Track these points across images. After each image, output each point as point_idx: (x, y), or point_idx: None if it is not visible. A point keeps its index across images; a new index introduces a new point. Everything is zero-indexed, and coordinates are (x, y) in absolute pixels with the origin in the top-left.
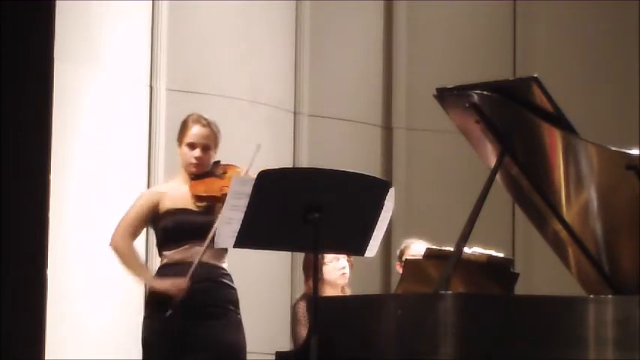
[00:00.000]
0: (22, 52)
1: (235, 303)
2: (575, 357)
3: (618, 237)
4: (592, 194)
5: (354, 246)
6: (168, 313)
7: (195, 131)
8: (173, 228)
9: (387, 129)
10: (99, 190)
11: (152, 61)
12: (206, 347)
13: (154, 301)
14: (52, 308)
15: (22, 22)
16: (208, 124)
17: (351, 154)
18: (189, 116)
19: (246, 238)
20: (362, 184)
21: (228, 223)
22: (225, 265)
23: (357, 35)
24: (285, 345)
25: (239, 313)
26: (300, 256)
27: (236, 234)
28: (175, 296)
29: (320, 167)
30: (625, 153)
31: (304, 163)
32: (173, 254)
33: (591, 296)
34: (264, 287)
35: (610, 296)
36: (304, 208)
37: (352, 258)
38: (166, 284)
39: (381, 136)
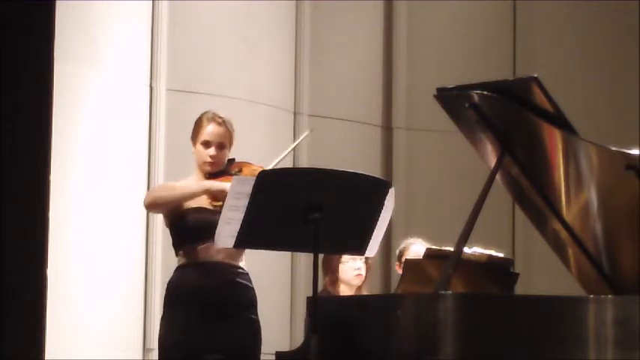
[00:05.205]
0: (22, 52)
1: (252, 304)
2: (575, 357)
3: (618, 237)
4: (592, 194)
5: (354, 246)
6: None
7: (210, 129)
8: (192, 227)
9: (387, 129)
10: (99, 190)
11: (152, 61)
12: (221, 350)
13: (172, 302)
14: (52, 308)
15: (22, 22)
16: (223, 122)
17: (351, 154)
18: (203, 114)
19: (246, 238)
20: (362, 184)
21: (228, 223)
22: (242, 264)
23: (357, 35)
24: (285, 345)
25: (256, 314)
26: (300, 256)
27: (236, 234)
28: None
29: (320, 167)
30: (625, 153)
31: (304, 163)
32: (191, 253)
33: (591, 296)
34: (263, 287)
35: (610, 296)
36: (304, 208)
37: (370, 260)
38: (223, 183)
39: (381, 136)
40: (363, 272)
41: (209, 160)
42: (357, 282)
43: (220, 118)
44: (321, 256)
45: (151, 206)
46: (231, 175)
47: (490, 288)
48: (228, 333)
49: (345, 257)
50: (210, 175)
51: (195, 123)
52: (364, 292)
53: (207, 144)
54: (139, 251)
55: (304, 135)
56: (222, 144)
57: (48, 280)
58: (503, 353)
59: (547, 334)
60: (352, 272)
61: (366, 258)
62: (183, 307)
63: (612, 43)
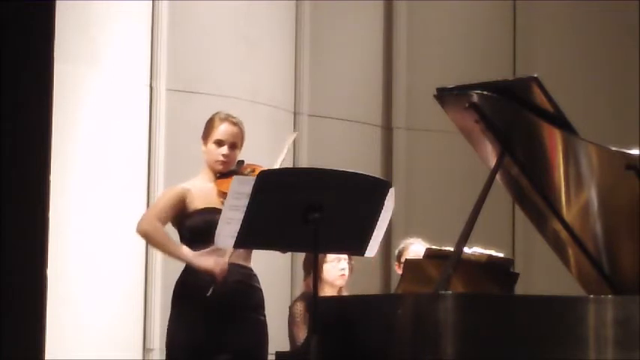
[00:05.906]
0: (22, 52)
1: (260, 305)
2: (575, 357)
3: (618, 237)
4: (592, 194)
5: (354, 246)
6: (210, 292)
7: (223, 128)
8: (203, 227)
9: (387, 129)
10: (99, 190)
11: (152, 61)
12: (229, 350)
13: (181, 302)
14: (52, 308)
15: (22, 22)
16: (237, 123)
17: (351, 154)
18: (215, 114)
19: (246, 238)
20: (362, 184)
21: (228, 223)
22: (251, 265)
23: (357, 35)
24: (285, 345)
25: (264, 315)
26: (300, 256)
27: (236, 234)
28: (218, 276)
29: (320, 167)
30: (625, 153)
31: (304, 163)
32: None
33: (591, 296)
34: (263, 287)
35: (610, 296)
36: (304, 208)
37: (353, 261)
38: (210, 263)
39: (381, 136)
40: (347, 273)
41: (221, 159)
42: (341, 282)
43: (234, 118)
44: (303, 255)
45: (141, 236)
46: (243, 175)
47: (490, 288)
48: (237, 334)
49: (330, 257)
50: (221, 175)
51: (207, 122)
52: (344, 293)
53: (220, 143)
54: (139, 251)
55: (292, 137)
56: (235, 144)
57: (48, 280)
58: (503, 353)
59: (547, 334)
60: (337, 272)
61: (350, 259)
62: (191, 308)
63: (612, 43)
